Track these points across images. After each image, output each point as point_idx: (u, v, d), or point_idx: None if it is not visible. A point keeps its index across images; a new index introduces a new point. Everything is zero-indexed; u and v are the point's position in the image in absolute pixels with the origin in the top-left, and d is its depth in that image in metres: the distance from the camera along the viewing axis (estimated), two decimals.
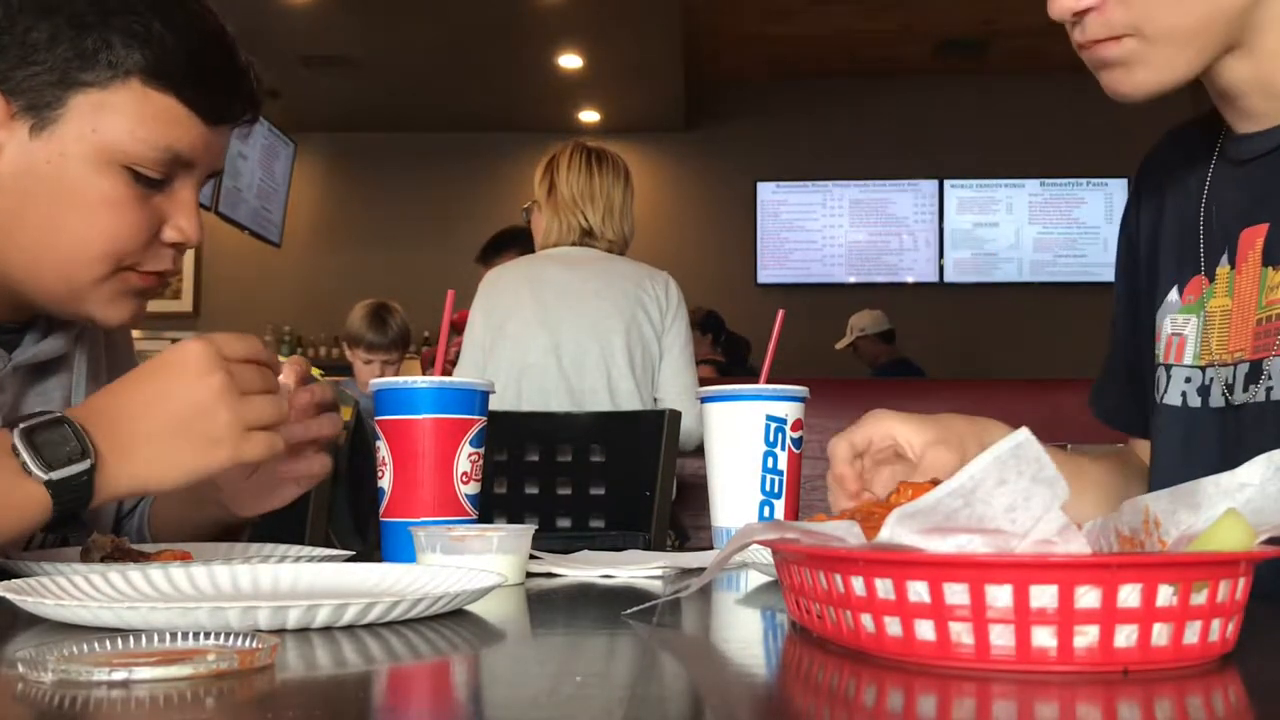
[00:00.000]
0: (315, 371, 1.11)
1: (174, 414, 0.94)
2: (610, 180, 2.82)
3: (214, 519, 1.21)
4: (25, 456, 0.88)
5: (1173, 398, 1.09)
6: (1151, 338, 1.14)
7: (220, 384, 0.95)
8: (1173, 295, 1.11)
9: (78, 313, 1.10)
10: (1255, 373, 1.01)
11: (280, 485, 1.15)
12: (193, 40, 1.06)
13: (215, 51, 1.09)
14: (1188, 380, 1.08)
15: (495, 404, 1.20)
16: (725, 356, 6.15)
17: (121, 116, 1.03)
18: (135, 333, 1.31)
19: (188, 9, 1.07)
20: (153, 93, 1.04)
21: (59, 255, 1.05)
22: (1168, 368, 1.11)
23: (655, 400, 2.79)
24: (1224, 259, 1.06)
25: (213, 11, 1.10)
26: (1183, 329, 1.09)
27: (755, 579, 1.02)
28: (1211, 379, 1.05)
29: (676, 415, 2.20)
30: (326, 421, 1.11)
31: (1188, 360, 1.08)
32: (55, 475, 0.89)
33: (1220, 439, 1.04)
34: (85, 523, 0.94)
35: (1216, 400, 1.05)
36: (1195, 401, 1.07)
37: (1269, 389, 0.99)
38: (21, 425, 0.90)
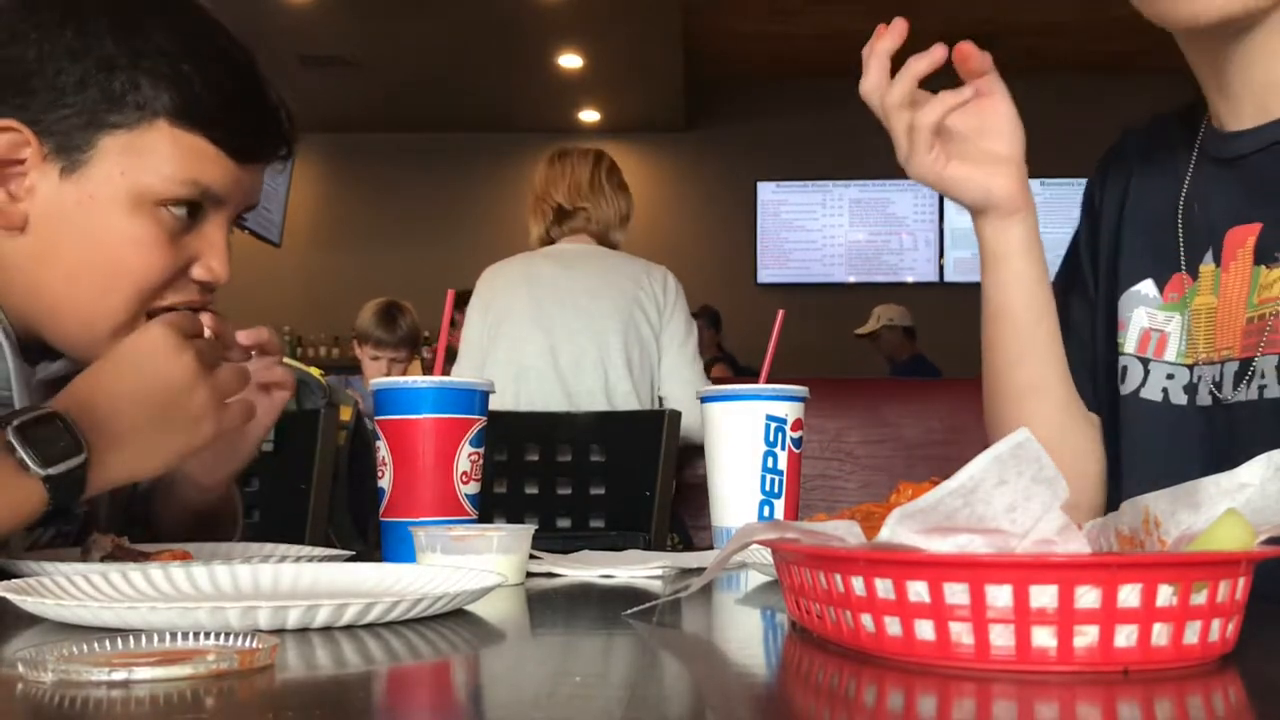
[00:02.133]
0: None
1: (156, 400, 0.96)
2: (574, 161, 2.87)
3: (186, 501, 1.23)
4: (22, 453, 0.88)
5: (1151, 393, 1.09)
6: (1114, 325, 1.14)
7: (192, 362, 0.97)
8: (1146, 288, 1.11)
9: (90, 358, 1.09)
10: (1244, 370, 1.01)
11: (238, 442, 1.18)
12: (222, 80, 1.06)
13: (245, 90, 1.09)
14: (1170, 377, 1.08)
15: (492, 404, 1.19)
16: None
17: (150, 157, 1.03)
18: None
19: (218, 47, 1.07)
20: (181, 133, 1.04)
21: (83, 299, 1.05)
22: (1143, 360, 1.10)
23: (660, 399, 2.78)
24: (1208, 256, 1.06)
25: (244, 48, 1.10)
26: (1164, 325, 1.09)
27: (755, 579, 1.02)
28: (1200, 377, 1.05)
29: (676, 415, 2.20)
30: (276, 369, 1.14)
31: (1170, 357, 1.08)
32: (52, 471, 0.89)
33: (1208, 436, 1.04)
34: (77, 515, 0.95)
35: (1204, 399, 1.05)
36: (1180, 399, 1.07)
37: (1262, 387, 0.99)
38: (14, 423, 0.90)
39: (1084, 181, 1.23)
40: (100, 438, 0.93)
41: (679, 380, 2.77)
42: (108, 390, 0.96)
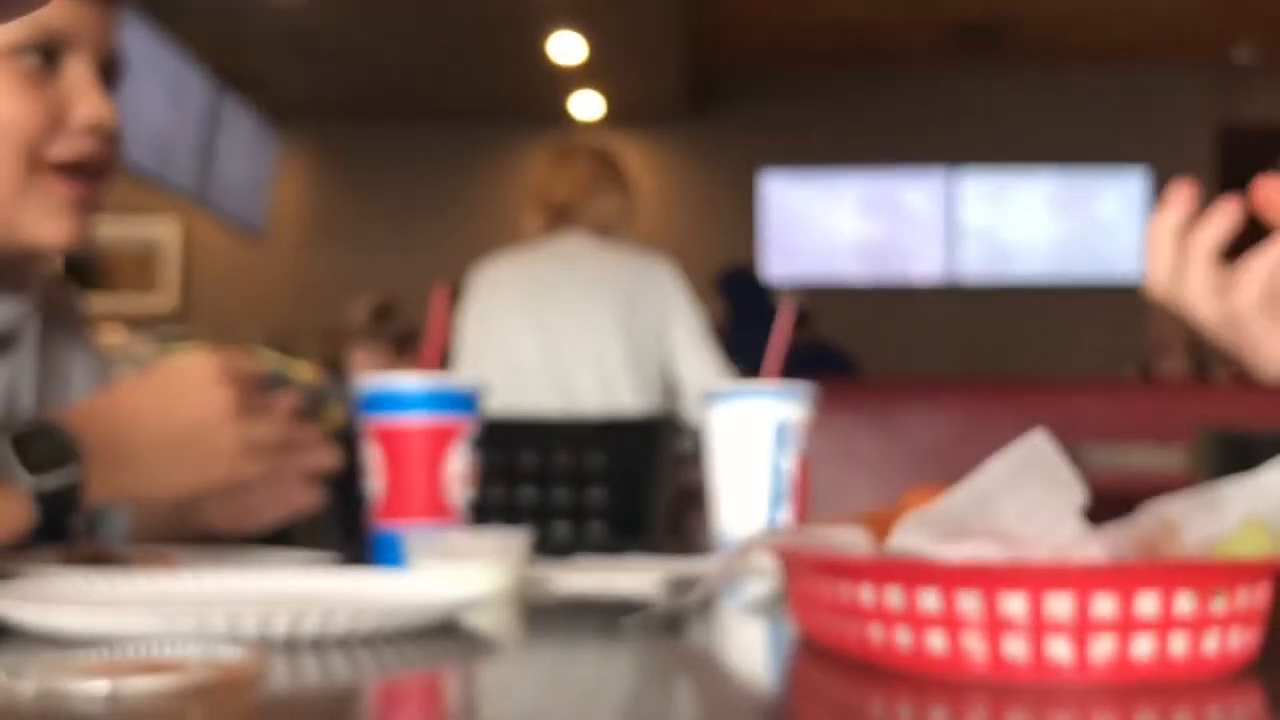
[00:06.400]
0: (308, 370, 1.09)
1: (178, 426, 0.93)
2: (576, 158, 2.89)
3: (194, 535, 1.19)
4: (11, 462, 0.86)
5: None
6: None
7: (229, 400, 0.93)
8: None
9: (14, 239, 1.02)
10: None
11: (263, 509, 1.13)
12: None
13: None
14: None
15: (488, 404, 1.18)
16: None
17: None
18: (119, 335, 1.28)
19: None
20: None
21: None
22: None
23: (680, 392, 2.73)
24: None
25: None
26: None
27: (760, 588, 1.00)
28: None
29: (675, 420, 2.18)
30: (327, 456, 1.09)
31: None
32: (41, 481, 0.87)
33: None
34: (71, 532, 0.92)
35: None
36: None
37: None
38: (12, 435, 0.87)
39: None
40: (106, 452, 0.90)
41: (700, 365, 2.72)
42: (130, 405, 0.93)
